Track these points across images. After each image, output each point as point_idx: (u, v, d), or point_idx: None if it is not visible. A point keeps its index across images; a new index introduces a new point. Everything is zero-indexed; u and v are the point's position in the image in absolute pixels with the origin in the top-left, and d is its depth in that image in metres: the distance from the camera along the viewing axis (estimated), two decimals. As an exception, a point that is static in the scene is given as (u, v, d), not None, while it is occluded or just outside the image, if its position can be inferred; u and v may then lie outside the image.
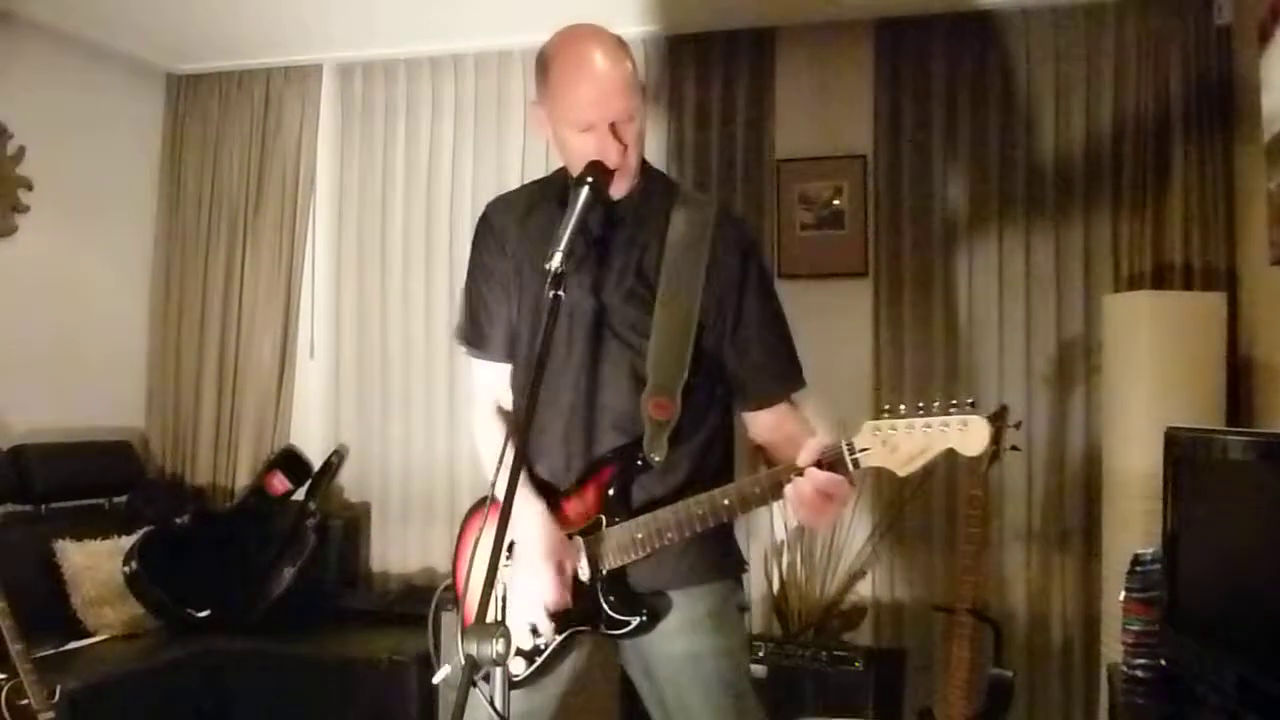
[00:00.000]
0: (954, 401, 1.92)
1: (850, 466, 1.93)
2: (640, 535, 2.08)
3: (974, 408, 1.90)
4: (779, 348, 2.25)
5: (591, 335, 2.15)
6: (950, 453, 1.91)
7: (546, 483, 2.21)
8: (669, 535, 2.06)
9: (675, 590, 2.16)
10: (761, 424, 2.27)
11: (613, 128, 2.06)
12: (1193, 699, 2.65)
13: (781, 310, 2.29)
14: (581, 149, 2.08)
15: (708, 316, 2.15)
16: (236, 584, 4.31)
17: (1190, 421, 2.95)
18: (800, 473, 1.94)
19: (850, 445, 1.94)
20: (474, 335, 2.33)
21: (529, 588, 2.09)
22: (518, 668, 2.15)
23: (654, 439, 2.11)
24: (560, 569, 2.08)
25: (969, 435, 1.90)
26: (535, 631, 2.11)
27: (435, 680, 2.03)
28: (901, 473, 1.94)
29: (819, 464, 1.93)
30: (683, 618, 2.16)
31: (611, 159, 2.06)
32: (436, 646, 2.43)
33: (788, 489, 1.96)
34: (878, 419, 1.94)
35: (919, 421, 1.91)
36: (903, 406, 1.93)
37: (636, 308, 2.14)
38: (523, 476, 2.04)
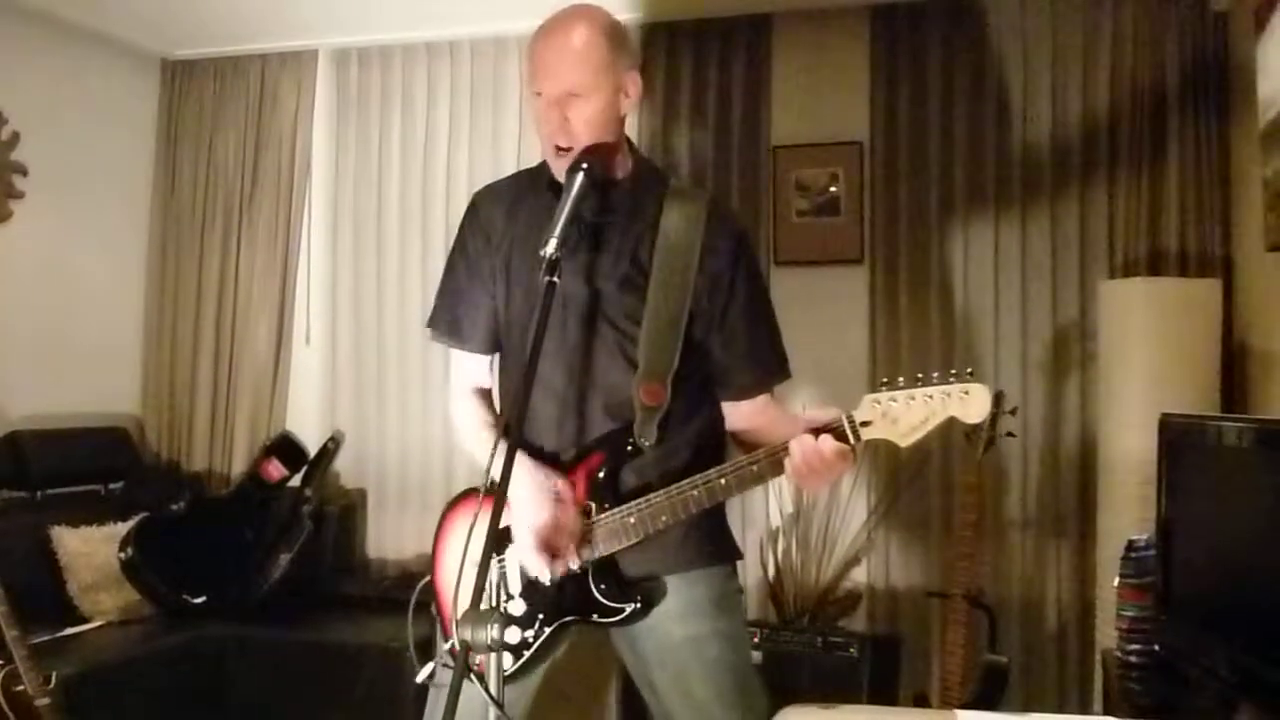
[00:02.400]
0: (953, 371, 1.94)
1: (852, 439, 1.94)
2: (633, 520, 2.08)
3: (973, 376, 1.92)
4: (764, 340, 2.26)
5: (584, 322, 2.16)
6: (948, 432, 1.93)
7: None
8: (663, 519, 2.07)
9: (673, 575, 2.16)
10: (741, 414, 2.28)
11: (565, 99, 2.08)
12: (1187, 684, 2.67)
13: (770, 303, 2.30)
14: (534, 113, 2.14)
15: (698, 306, 2.16)
16: (232, 570, 4.32)
17: (1185, 407, 2.96)
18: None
19: (851, 418, 1.95)
20: (452, 326, 2.32)
21: (524, 527, 2.09)
22: (505, 663, 2.14)
23: (644, 424, 2.12)
24: (555, 500, 2.08)
25: (970, 403, 1.92)
26: (553, 572, 2.09)
27: (419, 679, 2.03)
28: (903, 444, 1.95)
29: (815, 433, 1.95)
30: (682, 602, 2.16)
31: (548, 129, 2.11)
32: (421, 645, 2.42)
33: (792, 443, 1.96)
34: (877, 392, 1.95)
35: (919, 392, 1.93)
36: (901, 379, 1.95)
37: (631, 295, 2.14)
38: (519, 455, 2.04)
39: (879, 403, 1.94)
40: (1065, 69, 4.26)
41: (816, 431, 1.95)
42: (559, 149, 2.13)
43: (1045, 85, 4.27)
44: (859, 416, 1.95)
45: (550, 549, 2.06)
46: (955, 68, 4.36)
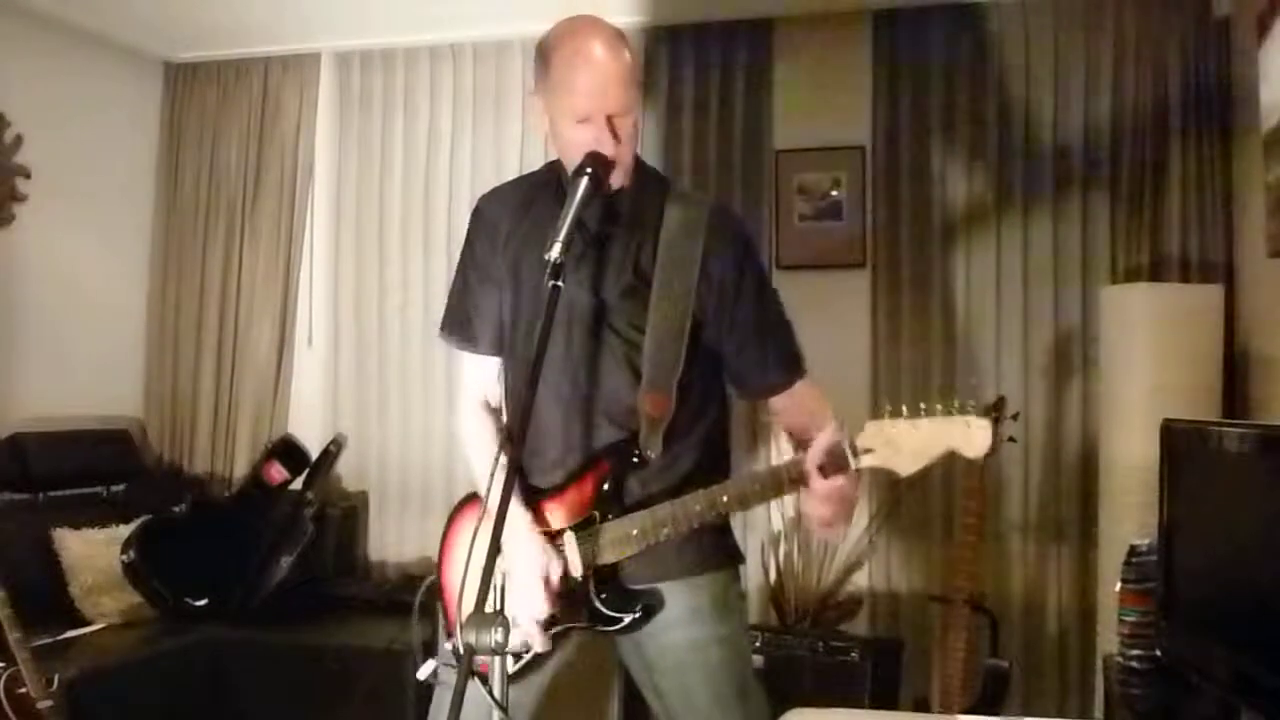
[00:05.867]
0: (957, 404, 1.92)
1: (853, 467, 1.94)
2: (636, 531, 2.08)
3: (975, 408, 1.91)
4: (777, 341, 2.25)
5: (589, 330, 2.15)
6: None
7: (536, 484, 2.21)
8: (665, 531, 2.07)
9: (675, 581, 2.16)
10: (778, 407, 2.28)
11: (609, 120, 2.05)
12: (1188, 689, 2.67)
13: (779, 301, 2.28)
14: (578, 141, 2.07)
15: (704, 312, 2.15)
16: (234, 573, 4.31)
17: (1187, 413, 2.95)
18: (805, 479, 1.97)
19: (853, 445, 1.94)
20: (462, 329, 2.32)
21: (516, 600, 2.07)
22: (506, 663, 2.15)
23: (649, 435, 2.12)
24: (546, 581, 2.08)
25: (971, 436, 1.90)
26: (526, 645, 2.10)
27: (420, 676, 2.02)
28: (903, 473, 1.94)
29: (822, 469, 1.94)
30: (685, 606, 2.16)
31: (606, 152, 2.05)
32: (425, 641, 2.42)
33: (804, 507, 1.99)
34: (880, 419, 1.93)
35: (922, 422, 1.91)
36: (904, 407, 1.93)
37: (634, 303, 2.14)
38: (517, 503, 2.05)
39: (882, 430, 1.93)
40: (1067, 74, 4.26)
41: (823, 469, 1.94)
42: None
43: (1047, 90, 4.28)
44: (861, 443, 1.94)
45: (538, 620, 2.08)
46: (957, 72, 4.37)
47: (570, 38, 2.08)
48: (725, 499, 2.05)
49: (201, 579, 4.24)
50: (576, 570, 2.12)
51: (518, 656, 2.13)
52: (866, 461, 1.93)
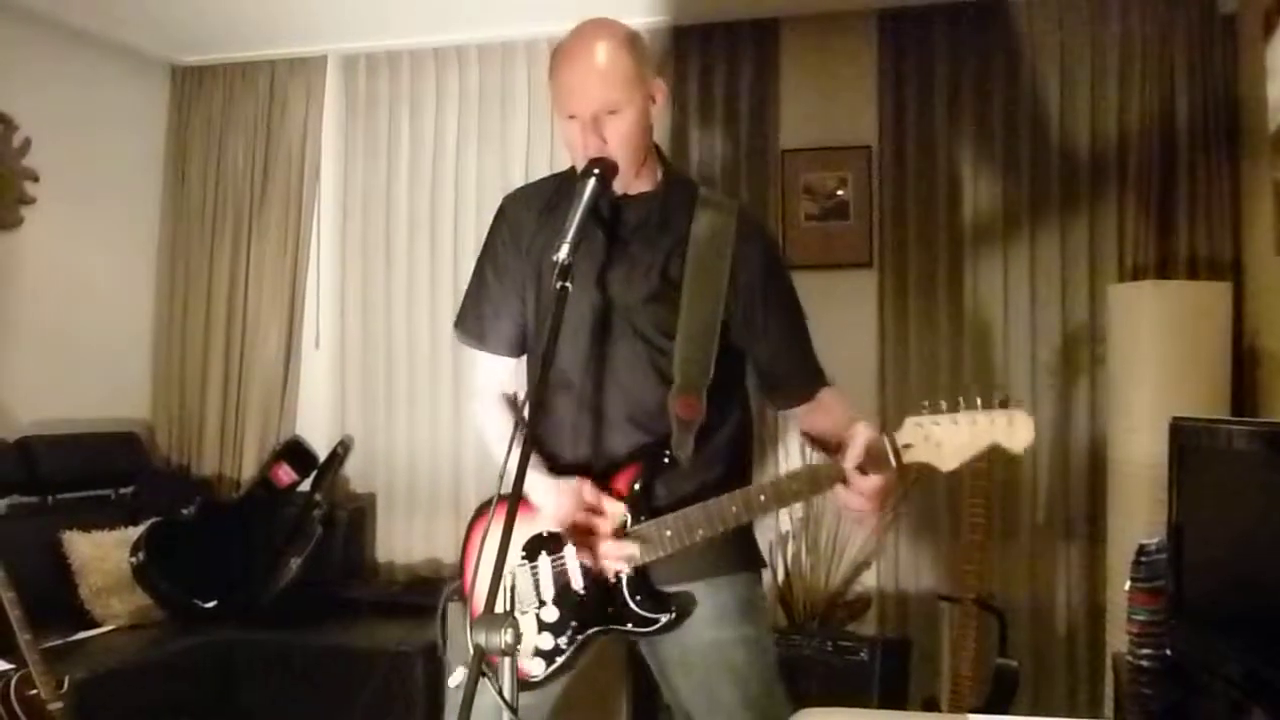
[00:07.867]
0: (997, 398, 1.92)
1: (894, 463, 1.94)
2: (670, 532, 2.07)
3: (1019, 404, 1.91)
4: (804, 348, 2.26)
5: (614, 334, 2.15)
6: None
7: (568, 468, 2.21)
8: (700, 532, 2.06)
9: (700, 582, 2.16)
10: (800, 413, 2.28)
11: (595, 119, 2.05)
12: (1197, 688, 2.67)
13: (801, 309, 2.29)
14: (568, 137, 2.11)
15: (732, 318, 2.15)
16: (243, 575, 4.32)
17: (1195, 411, 2.95)
18: (844, 478, 1.96)
19: (893, 441, 1.94)
20: (477, 328, 2.32)
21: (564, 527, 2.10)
22: (536, 669, 2.13)
23: (681, 439, 2.11)
24: (581, 500, 2.08)
25: (1015, 430, 1.90)
26: (558, 648, 2.12)
27: (451, 684, 2.01)
28: (945, 468, 1.94)
29: (861, 468, 1.94)
30: (710, 607, 2.15)
31: (590, 151, 2.07)
32: (445, 645, 2.41)
33: (839, 502, 1.98)
34: (919, 415, 1.94)
35: (962, 416, 1.92)
36: (944, 403, 1.94)
37: (662, 307, 2.13)
38: (532, 461, 2.04)
39: (921, 425, 1.93)
40: (1073, 72, 4.26)
41: (861, 468, 1.94)
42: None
43: (1054, 88, 4.28)
44: (901, 439, 1.94)
45: (588, 539, 2.08)
46: (963, 71, 4.36)
47: (572, 35, 2.10)
48: (763, 498, 2.04)
49: (210, 581, 4.25)
50: (609, 572, 2.12)
51: (550, 660, 2.14)
52: (907, 457, 1.94)
